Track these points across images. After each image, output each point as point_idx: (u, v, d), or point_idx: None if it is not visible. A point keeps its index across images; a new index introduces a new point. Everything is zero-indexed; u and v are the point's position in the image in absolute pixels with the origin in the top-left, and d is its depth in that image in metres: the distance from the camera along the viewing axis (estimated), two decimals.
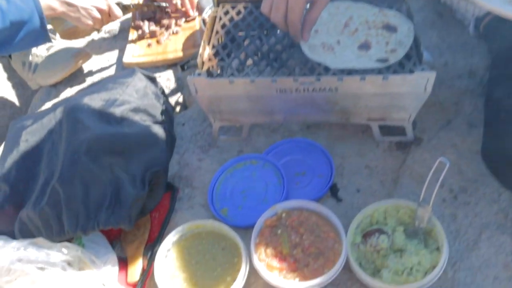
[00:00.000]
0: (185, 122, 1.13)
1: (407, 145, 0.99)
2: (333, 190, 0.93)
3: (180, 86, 1.29)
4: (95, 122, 0.89)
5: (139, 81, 1.02)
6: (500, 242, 0.81)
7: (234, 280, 0.77)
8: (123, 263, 0.88)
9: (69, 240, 0.85)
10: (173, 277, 0.81)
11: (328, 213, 0.81)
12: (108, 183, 0.84)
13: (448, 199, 0.88)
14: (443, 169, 0.73)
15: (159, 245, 0.85)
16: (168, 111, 1.05)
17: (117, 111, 0.93)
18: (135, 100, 0.97)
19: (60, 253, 0.78)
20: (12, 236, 0.86)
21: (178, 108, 1.28)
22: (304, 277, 0.75)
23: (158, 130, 0.94)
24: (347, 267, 0.79)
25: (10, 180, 0.93)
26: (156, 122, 0.97)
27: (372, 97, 0.88)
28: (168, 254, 0.84)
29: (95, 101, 0.94)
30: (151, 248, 0.88)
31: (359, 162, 0.98)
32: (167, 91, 1.26)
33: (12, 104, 1.49)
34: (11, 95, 1.50)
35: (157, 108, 1.00)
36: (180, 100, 1.29)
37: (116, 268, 0.85)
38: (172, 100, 1.26)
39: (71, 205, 0.81)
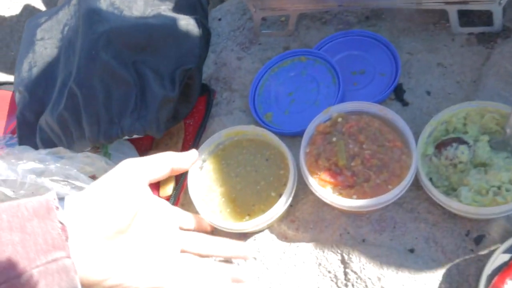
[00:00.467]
0: (222, 16, 0.98)
1: (492, 37, 0.80)
2: (398, 92, 0.77)
3: None
4: (115, 12, 0.75)
5: None
6: None
7: (280, 195, 0.66)
8: None
9: (95, 150, 0.76)
10: (209, 191, 0.70)
11: (394, 117, 0.66)
12: (132, 83, 0.72)
13: None
14: None
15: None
16: (201, 1, 0.89)
17: None
18: None
19: (82, 164, 0.69)
20: (36, 147, 0.77)
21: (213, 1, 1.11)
22: (364, 194, 0.62)
23: (190, 22, 0.79)
24: (414, 183, 0.66)
25: (28, 85, 0.83)
26: (187, 13, 0.82)
27: None
28: (203, 165, 0.73)
29: None
30: None
31: (430, 59, 0.81)
32: None
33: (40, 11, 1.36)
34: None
35: None
36: None
37: None
38: None
39: (90, 109, 0.70)
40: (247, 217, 0.67)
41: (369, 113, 0.68)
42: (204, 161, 0.73)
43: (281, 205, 0.65)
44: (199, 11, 0.86)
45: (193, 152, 0.65)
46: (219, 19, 0.97)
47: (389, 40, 0.82)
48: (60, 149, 0.71)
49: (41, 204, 0.43)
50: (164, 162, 0.59)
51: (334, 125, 0.68)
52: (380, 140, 0.66)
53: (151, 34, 0.75)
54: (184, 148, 0.80)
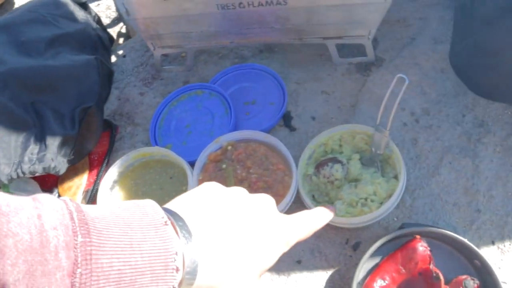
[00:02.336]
0: (126, 53, 1.03)
1: (368, 66, 0.91)
2: (286, 119, 0.85)
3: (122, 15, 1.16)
4: (12, 54, 0.78)
5: (65, 6, 0.89)
6: (462, 166, 0.75)
7: None
8: None
9: None
10: None
11: (277, 143, 0.74)
12: (32, 124, 0.75)
13: (409, 123, 0.81)
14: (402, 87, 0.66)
15: (99, 182, 0.78)
16: (102, 40, 0.94)
17: (39, 40, 0.81)
18: (60, 28, 0.85)
19: None
20: None
21: (121, 40, 1.16)
22: None
23: (89, 62, 0.83)
24: (299, 201, 0.73)
25: None
26: (87, 53, 0.86)
27: (326, 11, 0.78)
28: (114, 185, 0.78)
29: (12, 29, 0.82)
30: (89, 192, 0.81)
31: (315, 87, 0.90)
32: (107, 20, 1.14)
33: None
34: None
35: (87, 37, 0.89)
36: (123, 30, 1.17)
37: None
38: (114, 30, 1.14)
39: None
40: None
41: (256, 140, 0.75)
42: (115, 182, 0.77)
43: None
44: (100, 51, 0.90)
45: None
46: (124, 56, 1.02)
47: (280, 71, 0.91)
48: None
49: (159, 253, 0.32)
50: (313, 225, 0.48)
51: (224, 153, 0.74)
52: (265, 164, 0.72)
53: (51, 75, 0.78)
54: (89, 182, 0.83)
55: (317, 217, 0.49)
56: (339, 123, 0.84)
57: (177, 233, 0.34)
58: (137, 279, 0.31)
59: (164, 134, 0.85)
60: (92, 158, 0.86)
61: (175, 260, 0.32)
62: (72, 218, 0.30)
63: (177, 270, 0.32)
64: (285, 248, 0.43)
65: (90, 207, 0.32)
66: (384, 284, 0.65)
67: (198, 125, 0.84)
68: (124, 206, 0.34)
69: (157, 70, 0.96)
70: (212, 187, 0.42)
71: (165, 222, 0.33)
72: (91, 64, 0.83)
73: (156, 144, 0.83)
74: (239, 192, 0.42)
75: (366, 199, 0.68)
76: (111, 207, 0.33)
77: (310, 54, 0.95)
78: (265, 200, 0.43)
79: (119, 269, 0.30)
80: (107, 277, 0.29)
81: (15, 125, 0.75)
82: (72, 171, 0.84)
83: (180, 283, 0.33)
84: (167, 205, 0.38)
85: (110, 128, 0.87)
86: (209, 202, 0.39)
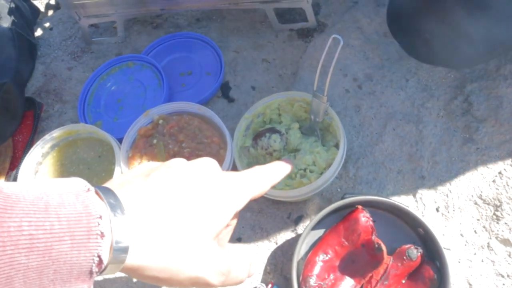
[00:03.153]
0: (54, 26, 0.95)
1: (310, 32, 0.87)
2: (224, 89, 0.80)
3: None
4: None
5: None
6: (405, 132, 0.73)
7: None
8: None
9: None
10: None
11: (211, 115, 0.69)
12: None
13: (351, 89, 0.78)
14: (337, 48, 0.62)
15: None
16: (22, 11, 0.85)
17: None
18: None
19: None
20: None
21: (51, 12, 1.07)
22: None
23: (3, 33, 0.76)
24: None
25: None
26: (2, 22, 0.78)
27: None
28: (37, 168, 0.71)
29: None
30: (12, 176, 0.74)
31: (255, 56, 0.85)
32: None
33: None
34: None
35: (1, 7, 0.80)
36: (52, 2, 1.08)
37: None
38: (42, 2, 1.05)
39: None
40: None
41: (189, 113, 0.70)
42: (39, 164, 0.71)
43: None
44: (18, 21, 0.82)
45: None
46: (51, 29, 0.94)
47: (218, 40, 0.85)
48: None
49: (80, 217, 0.28)
50: (266, 179, 0.43)
51: (155, 127, 0.69)
52: (199, 138, 0.68)
53: None
54: (13, 165, 0.76)
55: (271, 171, 0.44)
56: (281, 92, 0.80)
57: (102, 200, 0.30)
58: (54, 246, 0.27)
59: (94, 110, 0.79)
60: (16, 140, 0.79)
61: (98, 224, 0.28)
62: None
63: (102, 235, 0.28)
64: (238, 205, 0.38)
65: (4, 182, 0.28)
66: (327, 258, 0.63)
67: (130, 99, 0.78)
68: (43, 180, 0.30)
69: (87, 43, 0.89)
70: (148, 164, 0.38)
71: (88, 189, 0.30)
72: (5, 35, 0.75)
73: (86, 121, 0.77)
74: (176, 161, 0.38)
75: (305, 170, 0.65)
76: (28, 182, 0.29)
77: (250, 21, 0.90)
78: (206, 162, 0.39)
79: (30, 234, 0.26)
80: (15, 243, 0.26)
81: None
82: None
83: (109, 259, 0.29)
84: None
85: (34, 107, 0.79)
86: (145, 177, 0.34)
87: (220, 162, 0.66)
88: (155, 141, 0.68)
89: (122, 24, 0.85)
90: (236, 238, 0.68)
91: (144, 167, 0.37)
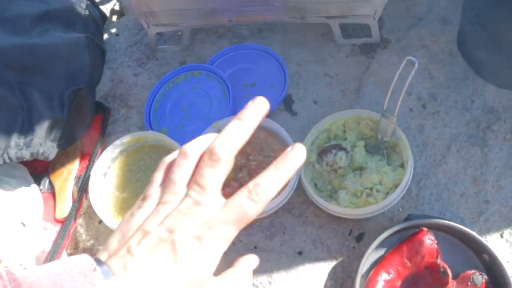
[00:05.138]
0: (120, 32, 0.98)
1: (373, 48, 0.87)
2: (287, 102, 0.81)
3: None
4: None
5: None
6: (470, 154, 0.72)
7: None
8: (53, 197, 0.77)
9: None
10: (112, 197, 0.72)
11: (278, 128, 0.70)
12: (18, 106, 0.71)
13: (415, 109, 0.78)
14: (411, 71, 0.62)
15: (91, 168, 0.75)
16: (94, 18, 0.89)
17: (25, 16, 0.76)
18: (48, 3, 0.80)
19: None
20: None
21: (114, 18, 1.11)
22: None
23: (79, 40, 0.79)
24: (301, 189, 0.70)
25: None
26: (77, 31, 0.82)
27: None
28: (107, 171, 0.74)
29: None
30: (81, 178, 0.77)
31: (317, 69, 0.86)
32: None
33: None
34: None
35: (77, 14, 0.84)
36: (117, 7, 1.12)
37: (40, 204, 0.74)
38: (107, 8, 1.09)
39: None
40: None
41: None
42: (108, 168, 0.74)
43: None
44: (92, 29, 0.86)
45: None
46: (117, 35, 0.97)
47: (281, 52, 0.86)
48: None
49: None
50: None
51: None
52: (265, 151, 0.69)
53: (38, 55, 0.74)
54: (81, 167, 0.79)
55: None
56: (343, 108, 0.81)
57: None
58: None
59: (159, 117, 0.81)
60: (84, 142, 0.82)
61: None
62: (1, 277, 0.32)
63: None
64: (218, 246, 0.36)
65: (22, 270, 0.33)
66: (389, 277, 0.63)
67: (195, 108, 0.80)
68: (56, 261, 0.35)
69: (152, 50, 0.91)
70: (136, 222, 0.38)
71: (94, 268, 0.33)
72: (81, 43, 0.78)
73: (151, 127, 0.80)
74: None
75: (371, 189, 0.65)
76: (43, 265, 0.34)
77: (312, 34, 0.91)
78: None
79: None
80: None
81: (0, 107, 0.70)
82: (63, 156, 0.80)
83: None
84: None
85: (102, 111, 0.82)
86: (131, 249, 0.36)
87: None
88: None
89: (188, 33, 0.87)
90: (297, 252, 0.69)
91: (134, 226, 0.38)
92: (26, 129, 0.70)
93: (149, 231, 0.35)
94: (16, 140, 0.69)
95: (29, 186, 0.75)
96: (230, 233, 0.36)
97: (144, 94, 0.86)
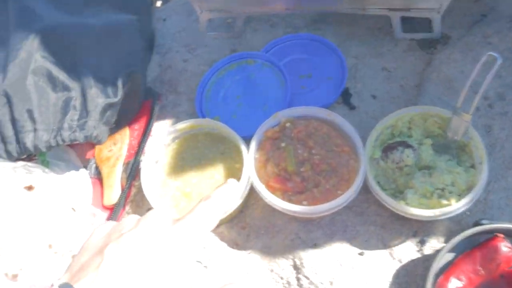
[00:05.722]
0: (167, 17, 0.95)
1: (432, 44, 0.83)
2: (345, 96, 0.78)
3: None
4: (49, 9, 0.71)
5: None
6: None
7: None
8: (100, 184, 0.75)
9: (30, 158, 0.70)
10: (164, 185, 0.69)
11: (342, 122, 0.67)
12: (71, 87, 0.68)
13: (482, 108, 0.74)
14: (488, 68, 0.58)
15: (141, 154, 0.72)
16: (145, 0, 0.86)
17: None
18: None
19: (16, 174, 0.64)
20: None
21: (159, 3, 1.08)
22: (314, 199, 0.62)
23: (132, 23, 0.76)
24: (362, 186, 0.67)
25: None
26: (130, 13, 0.79)
27: None
28: (158, 159, 0.71)
29: None
30: (130, 164, 0.74)
31: (375, 63, 0.82)
32: None
33: None
34: None
35: None
36: None
37: (89, 189, 0.72)
38: None
39: (25, 114, 0.65)
40: None
41: (317, 118, 0.68)
42: (160, 154, 0.71)
43: (237, 198, 0.64)
44: (143, 11, 0.83)
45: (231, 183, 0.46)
46: (164, 20, 0.94)
47: (336, 44, 0.83)
48: None
49: None
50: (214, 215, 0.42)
51: (282, 130, 0.68)
52: (328, 145, 0.66)
53: (92, 35, 0.71)
54: (129, 153, 0.77)
55: (216, 203, 0.43)
56: (402, 103, 0.78)
57: None
58: None
59: (211, 105, 0.78)
60: (132, 127, 0.79)
61: None
62: None
63: None
64: (187, 258, 0.39)
65: None
66: (460, 285, 0.59)
67: (249, 97, 0.77)
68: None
69: (202, 36, 0.88)
70: (102, 231, 0.41)
71: (51, 284, 0.34)
72: (134, 25, 0.75)
73: (203, 115, 0.77)
74: (127, 226, 0.40)
75: (443, 189, 0.62)
76: None
77: (368, 27, 0.87)
78: (154, 222, 0.40)
79: None
80: None
81: (53, 88, 0.68)
82: (111, 141, 0.77)
83: None
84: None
85: (151, 97, 0.79)
86: (98, 264, 0.36)
87: (350, 172, 0.64)
88: (283, 144, 0.66)
89: (242, 20, 0.84)
90: (358, 252, 0.65)
91: (95, 238, 0.39)
92: (80, 111, 0.67)
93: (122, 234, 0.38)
94: (69, 122, 0.66)
95: (78, 170, 0.73)
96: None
97: (194, 81, 0.83)
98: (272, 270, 0.66)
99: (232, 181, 0.45)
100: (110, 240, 0.38)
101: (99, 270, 0.35)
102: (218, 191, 0.44)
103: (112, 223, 0.42)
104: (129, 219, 0.41)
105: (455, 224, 0.66)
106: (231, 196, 0.44)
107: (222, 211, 0.43)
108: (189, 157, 0.70)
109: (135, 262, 0.36)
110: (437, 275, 0.61)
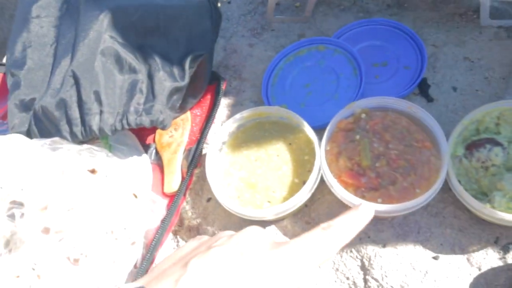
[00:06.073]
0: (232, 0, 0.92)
1: None
2: (423, 87, 0.72)
3: None
4: None
5: None
6: None
7: (303, 182, 0.61)
8: (160, 170, 0.73)
9: (93, 141, 0.70)
10: (227, 175, 0.67)
11: (424, 116, 0.62)
12: (138, 69, 0.66)
13: None
14: None
15: (202, 143, 0.70)
16: None
17: None
18: None
19: (81, 156, 0.63)
20: (29, 136, 0.71)
21: None
22: (389, 198, 0.58)
23: (202, 3, 0.73)
24: (444, 187, 0.61)
25: (22, 67, 0.75)
26: None
27: None
28: (222, 147, 0.69)
29: None
30: (192, 151, 0.72)
31: (456, 52, 0.76)
32: None
33: None
34: None
35: None
36: None
37: (150, 175, 0.70)
38: None
39: (91, 96, 0.64)
40: (267, 204, 0.63)
41: (395, 110, 0.64)
42: (223, 143, 0.69)
43: (306, 192, 0.60)
44: None
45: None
46: (229, 2, 0.91)
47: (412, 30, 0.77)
48: (57, 140, 0.65)
49: None
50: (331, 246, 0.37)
51: (357, 122, 0.63)
52: (407, 140, 0.61)
53: (160, 15, 0.69)
54: (190, 140, 0.75)
55: (339, 234, 0.37)
56: (487, 97, 0.71)
57: None
58: None
59: (278, 92, 0.74)
60: (194, 113, 0.77)
61: None
62: None
63: None
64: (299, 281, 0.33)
65: None
66: None
67: (319, 85, 0.73)
68: None
69: (268, 20, 0.85)
70: (189, 245, 0.37)
71: None
72: (204, 6, 0.72)
73: (269, 103, 0.73)
74: (220, 241, 0.35)
75: None
76: None
77: (448, 13, 0.81)
78: (253, 239, 0.35)
79: None
80: None
81: (120, 70, 0.66)
82: (172, 126, 0.75)
83: None
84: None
85: (216, 81, 0.77)
86: (181, 268, 0.33)
87: (431, 171, 0.59)
88: (357, 137, 0.62)
89: (312, 3, 0.80)
90: (432, 256, 0.61)
91: (184, 249, 0.36)
92: (146, 94, 0.66)
93: (213, 246, 0.34)
94: (135, 105, 0.65)
95: (140, 155, 0.71)
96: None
97: (259, 67, 0.80)
98: (337, 269, 0.62)
99: (365, 206, 0.38)
100: (198, 252, 0.34)
101: (178, 284, 0.31)
102: (342, 220, 0.37)
103: (205, 236, 0.38)
104: (223, 233, 0.36)
105: None
106: (358, 226, 0.38)
107: (341, 245, 0.37)
108: (254, 147, 0.67)
109: (220, 281, 0.31)
110: None
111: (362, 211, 0.38)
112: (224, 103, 0.79)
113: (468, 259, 0.60)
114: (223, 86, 0.77)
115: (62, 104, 0.66)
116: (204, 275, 0.31)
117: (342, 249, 0.63)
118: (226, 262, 0.32)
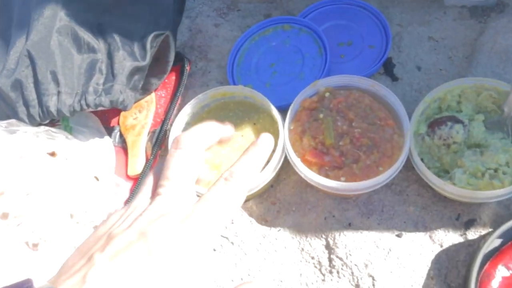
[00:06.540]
0: None
1: (486, 12, 0.76)
2: (388, 66, 0.72)
3: None
4: None
5: None
6: None
7: (267, 162, 0.60)
8: (124, 152, 0.72)
9: (53, 123, 0.68)
10: None
11: (387, 94, 0.62)
12: (97, 49, 0.64)
13: None
14: None
15: (167, 125, 0.69)
16: None
17: None
18: None
19: (39, 139, 0.61)
20: None
21: None
22: (353, 176, 0.58)
23: None
24: (407, 165, 0.62)
25: None
26: None
27: None
28: (186, 128, 0.67)
29: None
30: (156, 133, 0.71)
31: (420, 32, 0.76)
32: None
33: None
34: None
35: None
36: None
37: (113, 158, 0.69)
38: None
39: (48, 77, 0.62)
40: None
41: (359, 88, 0.63)
42: (188, 124, 0.67)
43: (269, 171, 0.60)
44: None
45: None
46: None
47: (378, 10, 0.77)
48: (13, 122, 0.62)
49: None
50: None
51: (321, 101, 0.63)
52: (370, 118, 0.61)
53: None
54: (155, 122, 0.73)
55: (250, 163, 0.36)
56: (450, 76, 0.72)
57: None
58: None
59: (243, 73, 0.73)
60: (158, 94, 0.75)
61: None
62: None
63: None
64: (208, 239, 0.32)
65: None
66: (508, 274, 0.55)
67: (284, 65, 0.72)
68: None
69: (234, 0, 0.83)
70: (103, 229, 0.34)
71: None
72: None
73: (234, 83, 0.72)
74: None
75: (496, 170, 0.57)
76: None
77: None
78: (151, 221, 0.32)
79: None
80: None
81: (78, 50, 0.64)
82: (136, 108, 0.74)
83: None
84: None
85: (181, 62, 0.75)
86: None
87: (394, 148, 0.59)
88: (321, 115, 0.61)
89: None
90: (396, 234, 0.61)
91: (90, 239, 0.33)
92: (106, 74, 0.64)
93: (115, 234, 0.31)
94: (94, 85, 0.63)
95: (103, 138, 0.70)
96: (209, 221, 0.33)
97: (225, 47, 0.78)
98: (302, 249, 0.62)
99: (262, 138, 0.38)
100: (101, 244, 0.31)
101: (86, 279, 0.29)
102: (243, 162, 0.36)
103: (112, 216, 0.34)
104: (127, 211, 0.34)
105: (504, 208, 0.61)
106: (261, 162, 0.37)
107: (249, 188, 0.38)
108: None
109: (127, 274, 0.30)
110: (483, 262, 0.56)
111: (262, 145, 0.37)
112: (190, 84, 0.77)
113: (430, 236, 0.61)
114: (188, 67, 0.75)
115: (18, 85, 0.63)
116: (110, 268, 0.29)
117: (308, 230, 0.63)
118: (131, 255, 0.30)
